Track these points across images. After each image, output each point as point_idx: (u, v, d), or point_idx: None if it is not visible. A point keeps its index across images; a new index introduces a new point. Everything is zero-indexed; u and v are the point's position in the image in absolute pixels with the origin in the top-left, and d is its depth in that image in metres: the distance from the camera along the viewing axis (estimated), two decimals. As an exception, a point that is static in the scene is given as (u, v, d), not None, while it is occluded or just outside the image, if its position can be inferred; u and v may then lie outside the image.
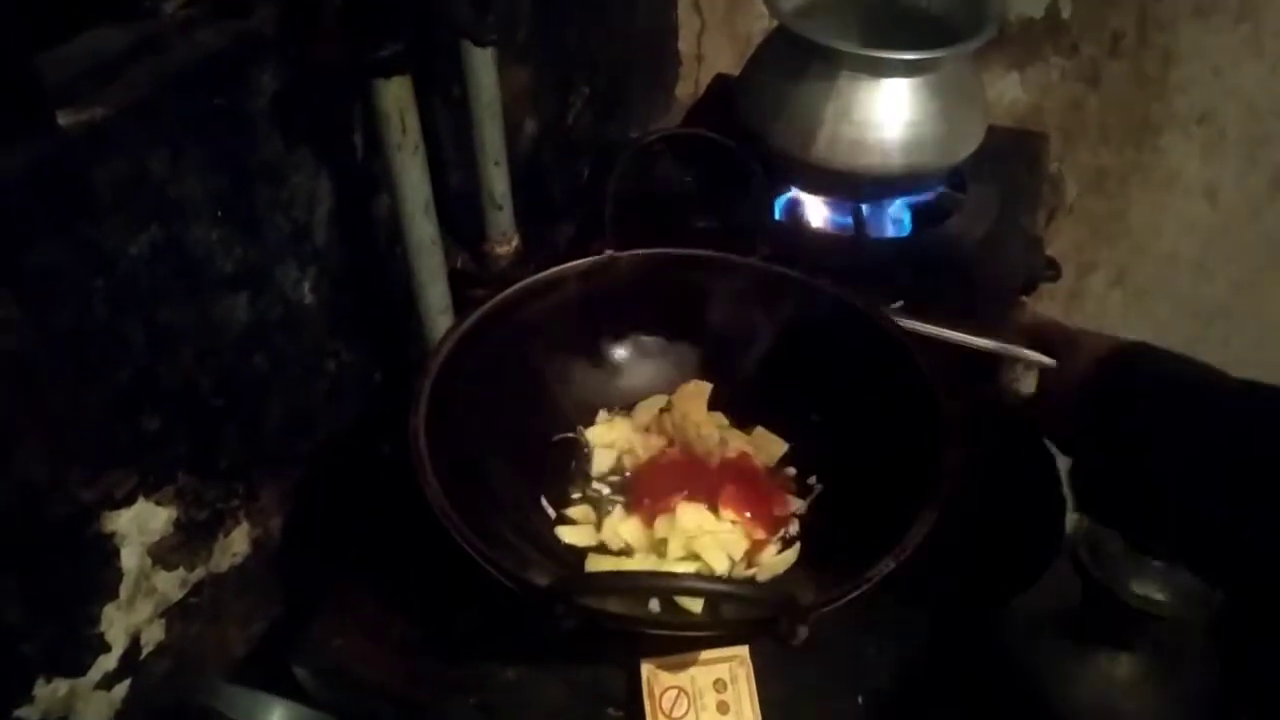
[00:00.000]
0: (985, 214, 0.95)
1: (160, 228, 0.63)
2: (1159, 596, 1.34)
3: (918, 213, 0.98)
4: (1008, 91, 1.23)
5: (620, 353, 0.78)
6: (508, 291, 0.69)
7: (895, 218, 0.97)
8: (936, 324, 0.68)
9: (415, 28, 0.66)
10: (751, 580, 0.64)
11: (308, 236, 0.77)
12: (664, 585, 0.49)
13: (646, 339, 0.77)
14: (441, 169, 0.89)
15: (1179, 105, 1.20)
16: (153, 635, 0.72)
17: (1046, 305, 1.38)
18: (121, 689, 0.70)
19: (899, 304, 0.79)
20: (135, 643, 0.70)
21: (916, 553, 0.54)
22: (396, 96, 0.66)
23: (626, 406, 0.77)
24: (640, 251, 0.73)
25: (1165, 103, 1.20)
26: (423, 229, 0.72)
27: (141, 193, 0.61)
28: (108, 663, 0.68)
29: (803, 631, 0.45)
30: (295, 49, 0.69)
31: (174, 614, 0.73)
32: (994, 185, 0.99)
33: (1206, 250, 1.29)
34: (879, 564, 0.52)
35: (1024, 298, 1.19)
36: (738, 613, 0.51)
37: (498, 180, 0.83)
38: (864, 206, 0.93)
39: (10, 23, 0.51)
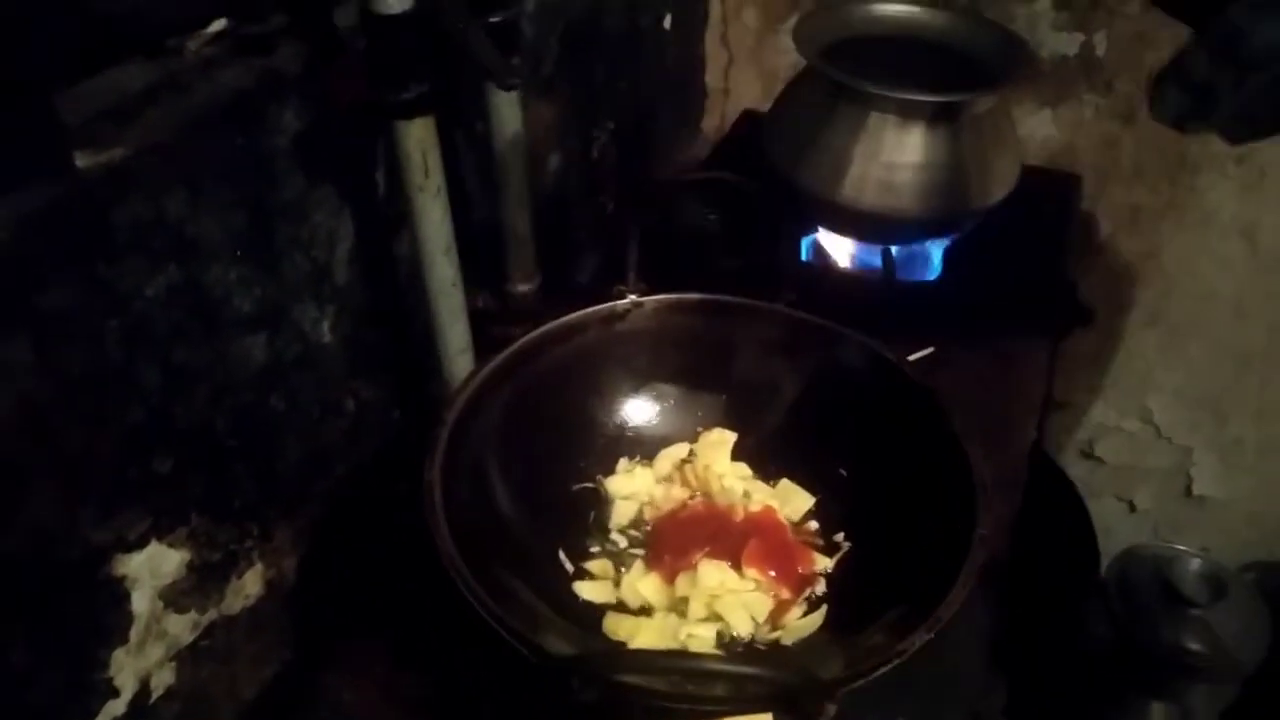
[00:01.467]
0: (1017, 258, 0.93)
1: (178, 268, 0.63)
2: (1194, 646, 1.31)
3: (949, 255, 0.96)
4: (1040, 129, 1.21)
5: (642, 400, 0.76)
6: (527, 337, 0.68)
7: (925, 260, 0.95)
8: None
9: (439, 69, 0.66)
10: (777, 644, 0.62)
11: (328, 275, 0.77)
12: (683, 667, 0.47)
13: (669, 386, 0.75)
14: (464, 206, 0.88)
15: (1217, 144, 1.16)
16: (163, 679, 0.70)
17: (1077, 344, 1.35)
18: (128, 735, 0.68)
19: (929, 350, 0.77)
20: (145, 687, 0.69)
21: (951, 623, 0.52)
22: (419, 138, 0.65)
23: (648, 456, 0.75)
24: (663, 296, 0.71)
25: (1203, 141, 1.17)
26: (443, 271, 0.71)
27: (159, 233, 0.61)
28: (116, 708, 0.67)
29: (830, 709, 0.43)
30: (318, 88, 0.68)
31: (184, 657, 0.72)
32: (1026, 228, 0.97)
33: (1243, 291, 1.26)
34: (911, 636, 0.50)
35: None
36: (763, 687, 0.49)
37: (520, 218, 0.82)
38: (893, 248, 0.91)
39: (31, 62, 0.50)
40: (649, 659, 0.49)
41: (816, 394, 0.71)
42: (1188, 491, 1.45)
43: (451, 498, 0.56)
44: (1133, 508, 1.49)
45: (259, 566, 0.77)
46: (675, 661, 0.49)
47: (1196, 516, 1.46)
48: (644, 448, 0.75)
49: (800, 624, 0.64)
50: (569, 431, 0.72)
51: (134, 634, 0.67)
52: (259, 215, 0.68)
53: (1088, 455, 1.46)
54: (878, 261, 0.91)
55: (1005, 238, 0.96)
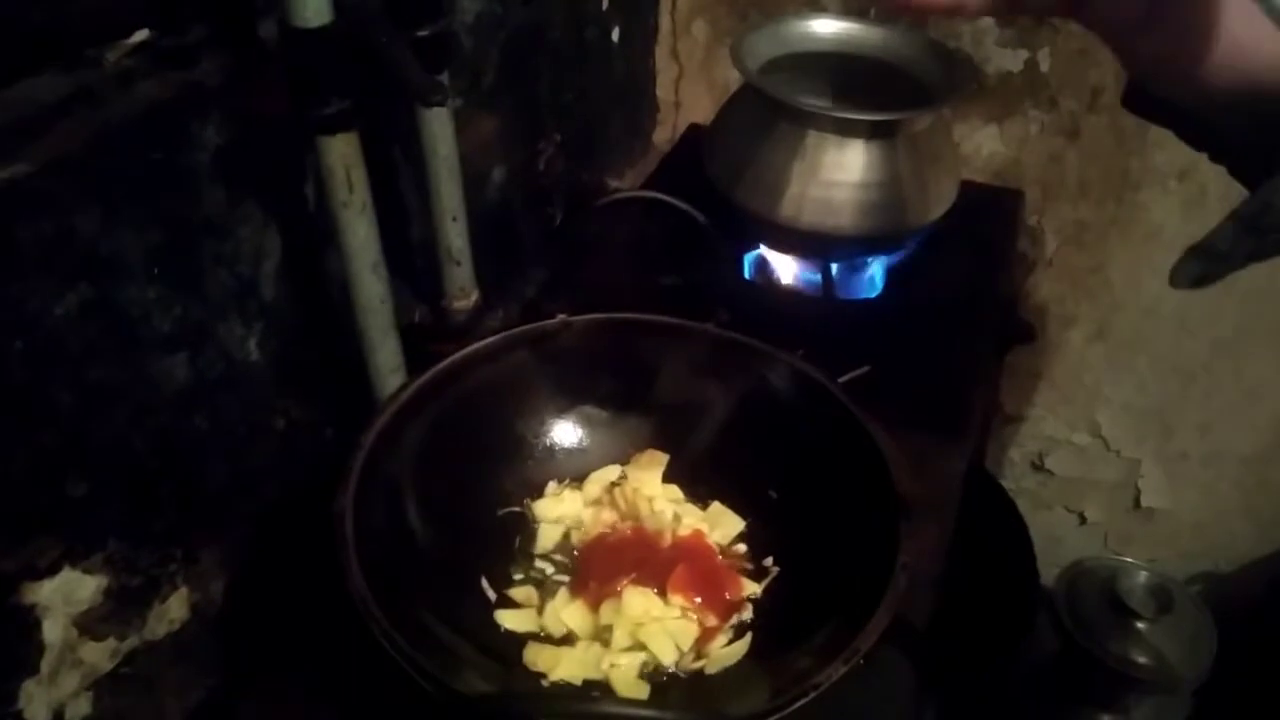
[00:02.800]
0: (958, 275, 0.93)
1: (90, 286, 0.61)
2: (1140, 659, 1.32)
3: (891, 272, 0.96)
4: (986, 144, 1.22)
5: (572, 421, 0.75)
6: (451, 359, 0.66)
7: (867, 277, 0.95)
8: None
9: (363, 84, 0.64)
10: (700, 673, 0.61)
11: (254, 292, 0.75)
12: (589, 711, 0.46)
13: (599, 407, 0.74)
14: (401, 221, 0.87)
15: (1158, 160, 1.18)
16: (79, 710, 0.68)
17: (1026, 359, 1.36)
18: (42, 768, 0.66)
19: (863, 370, 0.77)
20: (58, 718, 0.67)
21: (874, 650, 0.51)
22: (342, 153, 0.64)
23: (577, 479, 0.74)
24: (593, 316, 0.70)
25: (1144, 158, 1.19)
26: (371, 288, 0.70)
27: (69, 251, 0.59)
28: (25, 743, 0.65)
29: (743, 745, 0.42)
30: (241, 102, 0.67)
31: (103, 686, 0.69)
32: (968, 244, 0.97)
33: (1187, 307, 1.27)
34: (828, 667, 0.49)
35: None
36: (684, 715, 0.48)
37: (455, 235, 0.80)
38: (833, 266, 0.90)
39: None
40: (557, 702, 0.48)
41: (747, 415, 0.70)
42: (1136, 503, 1.46)
43: (365, 528, 0.54)
44: (1083, 519, 1.50)
45: (184, 590, 0.75)
46: (582, 706, 0.48)
47: (1145, 528, 1.48)
48: (573, 470, 0.74)
49: (725, 652, 0.63)
50: (495, 454, 0.70)
51: (45, 664, 0.65)
52: (179, 231, 0.67)
53: (1038, 468, 1.47)
54: (818, 279, 0.91)
55: (947, 255, 0.96)
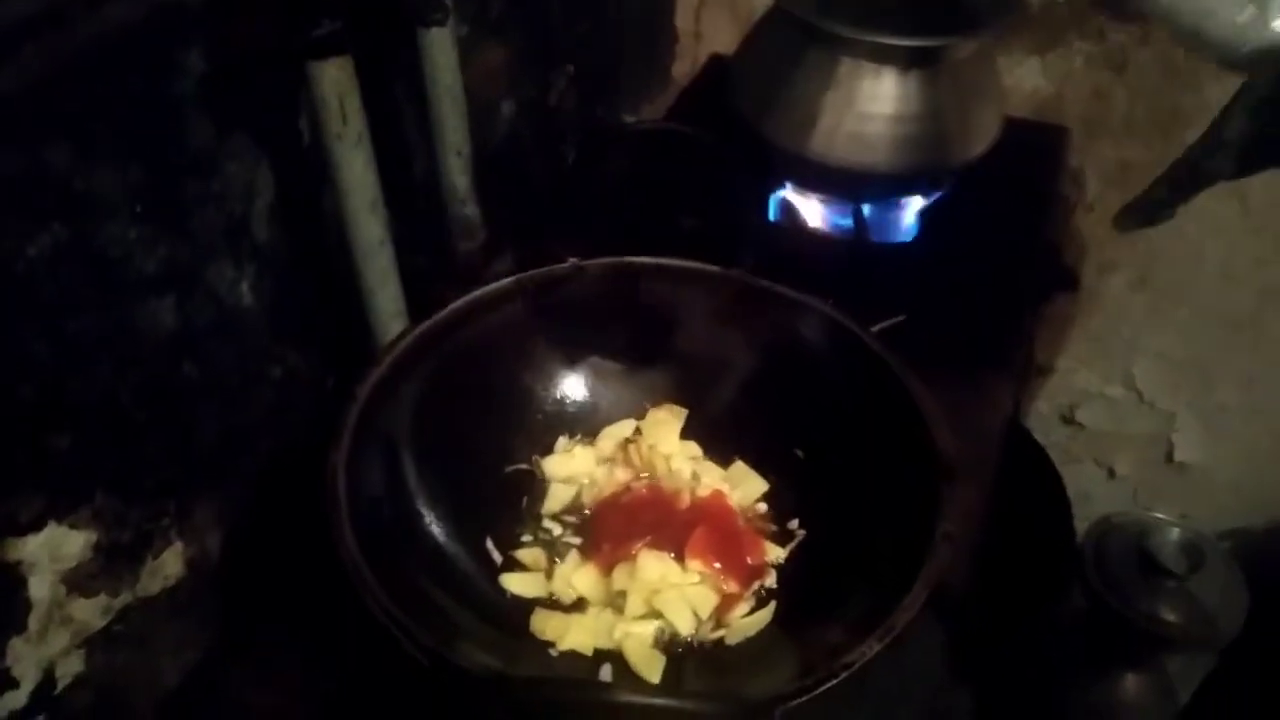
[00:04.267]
0: (998, 217, 0.87)
1: (64, 226, 0.56)
2: (1169, 618, 1.28)
3: (925, 214, 0.90)
4: (1027, 78, 1.14)
5: (583, 373, 0.70)
6: (453, 305, 0.62)
7: (900, 220, 0.89)
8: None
9: (355, 3, 0.59)
10: (720, 643, 0.57)
11: (245, 232, 0.70)
12: (596, 698, 0.42)
13: (613, 358, 0.69)
14: (403, 157, 0.81)
15: (1212, 95, 1.11)
16: (70, 667, 0.66)
17: (1061, 307, 1.30)
18: (33, 727, 0.64)
19: (898, 319, 0.72)
20: (49, 676, 0.64)
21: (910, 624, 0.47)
22: (335, 80, 0.59)
23: (589, 434, 0.70)
24: (607, 260, 0.65)
25: (1197, 93, 1.11)
26: (369, 228, 0.65)
27: (39, 188, 0.54)
28: (16, 699, 0.62)
29: (766, 731, 0.38)
30: (224, 26, 0.61)
31: (95, 643, 0.67)
32: (1008, 185, 0.91)
33: (1233, 254, 1.21)
34: (860, 646, 0.45)
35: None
36: (699, 702, 0.44)
37: (459, 172, 0.75)
38: (865, 207, 0.85)
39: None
40: (557, 689, 0.44)
41: (772, 367, 0.65)
42: (1169, 458, 1.41)
43: (359, 488, 0.50)
44: (1112, 474, 1.46)
45: (178, 545, 0.72)
46: (585, 693, 0.44)
47: (1176, 483, 1.43)
48: (585, 426, 0.70)
49: (746, 621, 0.59)
50: (501, 408, 0.66)
51: (33, 622, 0.62)
52: (162, 167, 0.62)
53: (1068, 421, 1.42)
54: (849, 222, 0.85)
55: (986, 196, 0.90)
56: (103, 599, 0.67)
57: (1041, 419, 1.43)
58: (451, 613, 0.53)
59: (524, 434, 0.67)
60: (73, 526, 0.63)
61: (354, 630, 0.50)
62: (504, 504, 0.65)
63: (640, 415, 0.70)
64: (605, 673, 0.55)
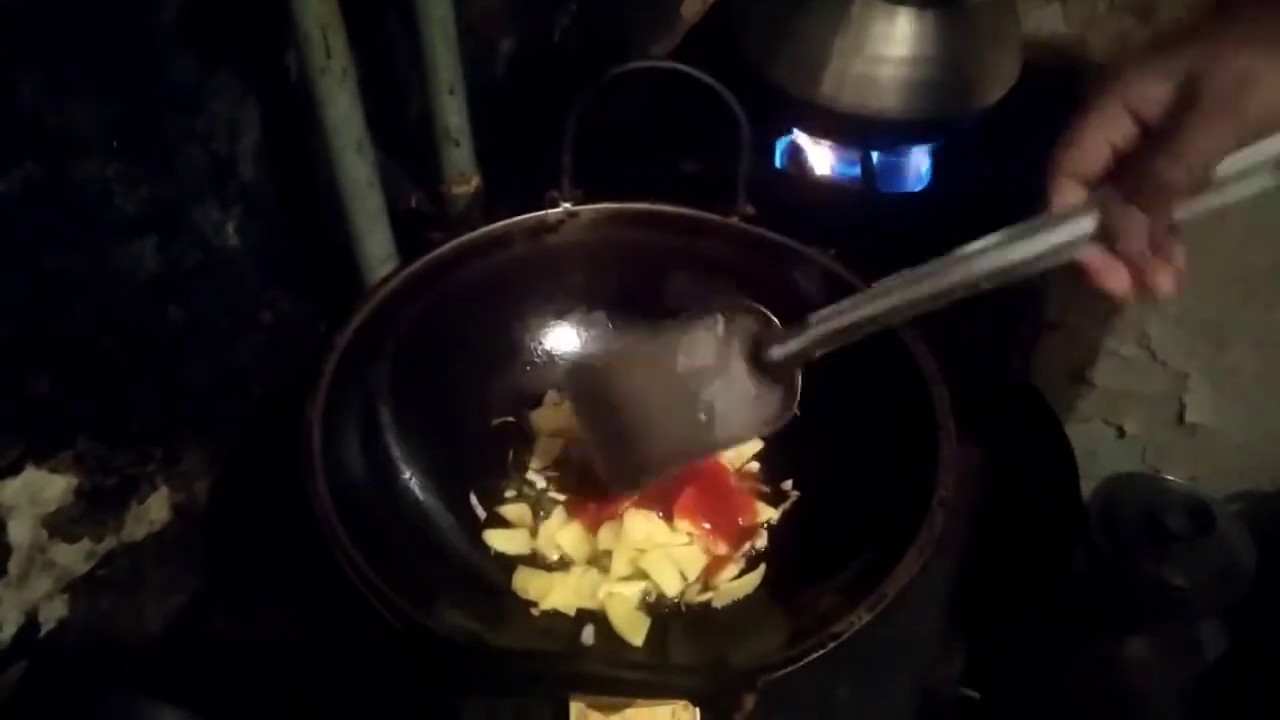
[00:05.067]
0: (1012, 167, 0.84)
1: (37, 164, 0.54)
2: (1175, 580, 1.26)
3: (938, 162, 0.86)
4: (1046, 23, 1.10)
5: (575, 323, 0.68)
6: (439, 250, 0.59)
7: (912, 168, 0.86)
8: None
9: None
10: (707, 606, 0.55)
11: (231, 171, 0.68)
12: (571, 670, 0.41)
13: (605, 308, 0.67)
14: (394, 95, 0.79)
15: (1241, 45, 1.07)
16: (53, 612, 0.65)
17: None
18: (16, 670, 0.64)
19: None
20: (32, 620, 0.64)
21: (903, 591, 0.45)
22: (318, 13, 0.56)
23: (581, 387, 0.67)
24: (601, 206, 0.63)
25: (1226, 42, 1.07)
26: (355, 169, 0.63)
27: (9, 122, 0.52)
28: (-2, 641, 0.62)
29: (749, 700, 0.37)
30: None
31: (79, 588, 0.66)
32: (1024, 133, 0.87)
33: (1257, 212, 1.17)
34: (849, 615, 0.43)
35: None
36: (665, 692, 0.43)
37: (453, 112, 0.72)
38: (875, 155, 0.82)
39: None
40: (536, 662, 0.43)
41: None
42: (1180, 419, 1.39)
43: (336, 441, 0.49)
44: (1121, 433, 1.44)
45: (164, 491, 0.71)
46: (563, 665, 0.42)
47: (1187, 445, 1.41)
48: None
49: (735, 584, 0.57)
50: (488, 359, 0.64)
51: (14, 566, 0.61)
52: (141, 102, 0.60)
53: (1079, 378, 1.40)
54: (858, 169, 0.82)
55: (1000, 144, 0.87)
56: (86, 544, 0.66)
57: (1052, 376, 1.40)
58: (430, 572, 0.51)
59: (511, 386, 0.65)
60: (53, 470, 0.62)
61: (333, 586, 0.49)
62: (489, 458, 0.63)
63: None
64: (588, 634, 0.54)
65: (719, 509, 0.58)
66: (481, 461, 0.63)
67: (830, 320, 0.51)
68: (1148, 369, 1.35)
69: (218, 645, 0.66)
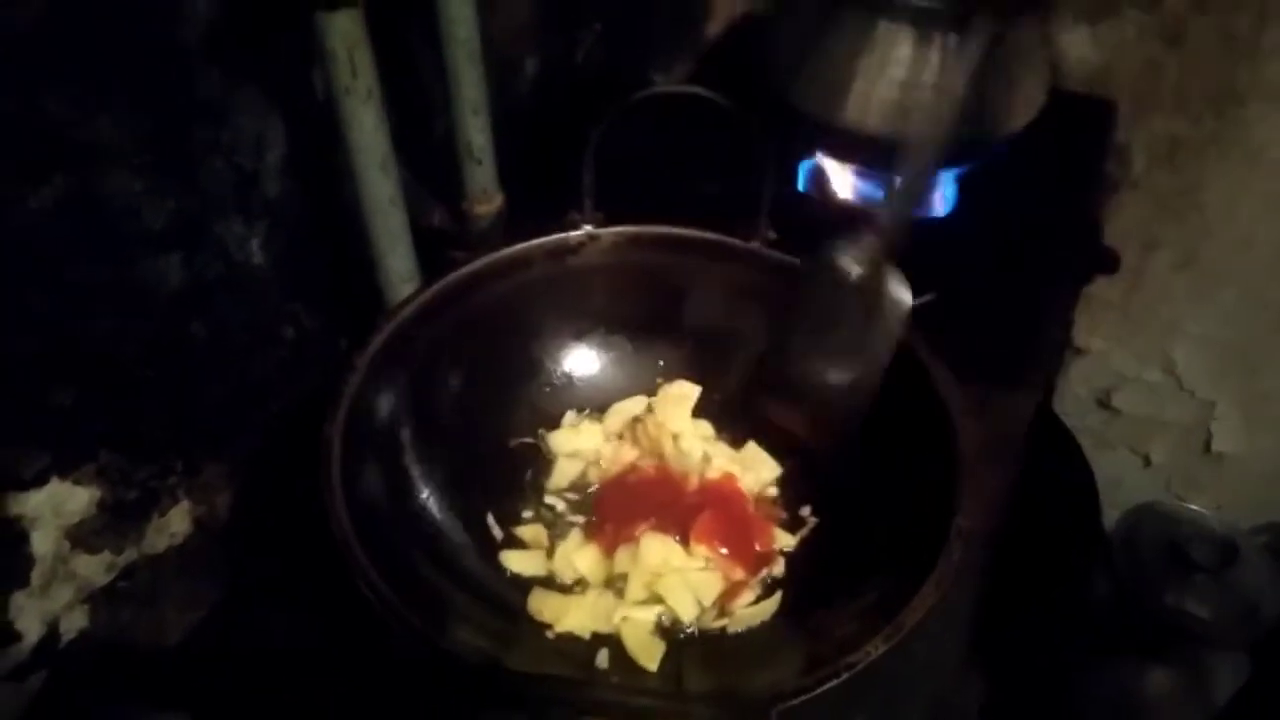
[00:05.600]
0: (1039, 193, 0.83)
1: (66, 177, 0.55)
2: (1199, 612, 1.24)
3: (964, 188, 0.86)
4: (1074, 48, 1.09)
5: (594, 346, 0.67)
6: (460, 271, 0.59)
7: (937, 193, 0.85)
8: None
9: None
10: (723, 632, 0.55)
11: (256, 186, 0.69)
12: (579, 697, 0.40)
13: (626, 331, 0.67)
14: (419, 114, 0.79)
15: (1271, 71, 1.05)
16: (74, 623, 0.66)
17: (1101, 287, 1.25)
18: (36, 680, 0.64)
19: (928, 297, 0.69)
20: (53, 631, 0.64)
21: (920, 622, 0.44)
22: (344, 32, 0.57)
23: (599, 409, 0.67)
24: (622, 229, 0.63)
25: (1255, 67, 1.06)
26: (379, 187, 0.63)
27: (38, 135, 0.53)
28: (18, 653, 0.62)
29: (761, 732, 0.37)
30: (231, -28, 0.59)
31: (99, 600, 0.67)
32: (1051, 159, 0.87)
33: (1288, 236, 1.16)
34: (865, 645, 0.43)
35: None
36: (692, 703, 0.42)
37: (476, 131, 0.73)
38: (899, 179, 0.81)
39: None
40: (548, 686, 0.43)
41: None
42: (1207, 447, 1.37)
43: (354, 459, 0.49)
44: (1147, 462, 1.42)
45: (185, 504, 0.72)
46: (575, 691, 0.42)
47: (1214, 474, 1.39)
48: (594, 400, 0.68)
49: (750, 611, 0.57)
50: (507, 379, 0.64)
51: (36, 576, 0.62)
52: (168, 117, 0.61)
53: (1104, 405, 1.38)
54: (882, 194, 0.82)
55: (1028, 170, 0.86)
56: (107, 555, 0.66)
57: (1076, 402, 1.39)
58: (445, 592, 0.51)
59: (530, 407, 0.65)
60: (76, 483, 0.63)
61: (350, 602, 0.49)
62: (506, 479, 0.63)
63: (652, 391, 0.68)
64: (602, 658, 0.53)
65: (736, 534, 0.58)
66: (499, 482, 0.62)
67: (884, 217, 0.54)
68: (1174, 396, 1.33)
69: (236, 658, 0.66)
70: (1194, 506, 1.29)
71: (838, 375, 0.57)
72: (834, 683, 0.42)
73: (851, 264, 0.55)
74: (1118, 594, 1.19)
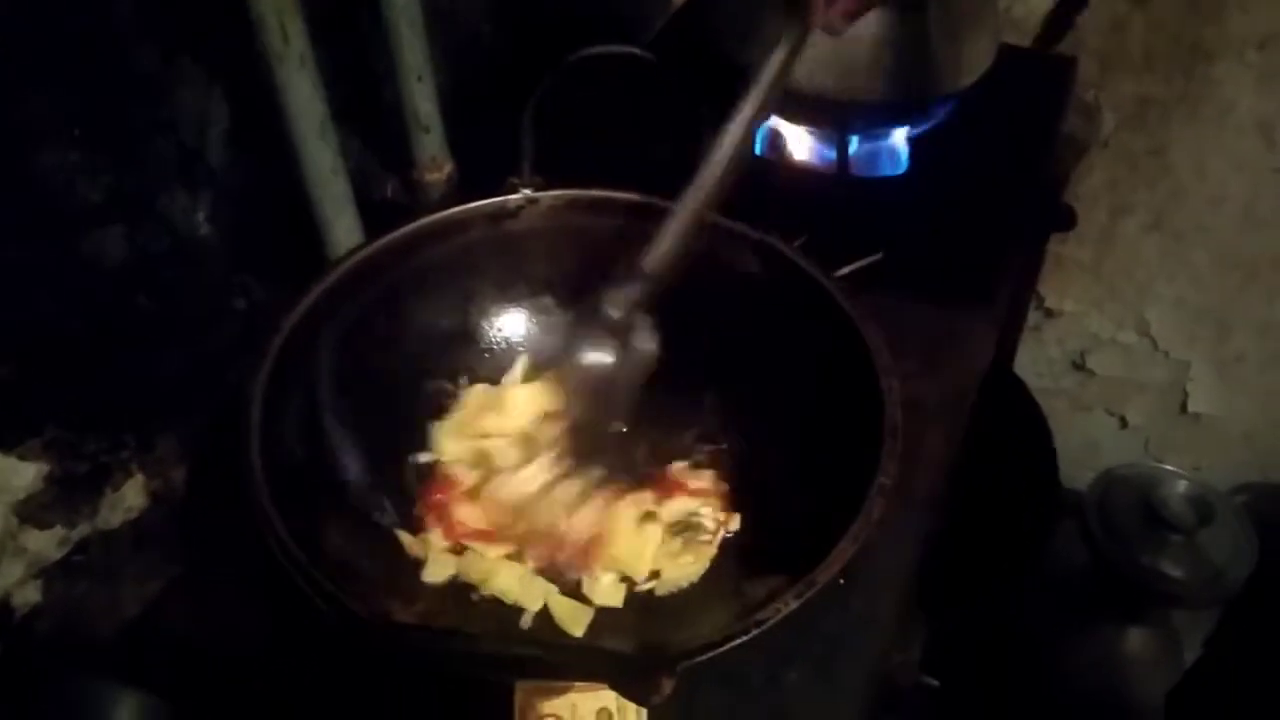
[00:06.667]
0: (994, 152, 0.83)
1: (-8, 153, 0.55)
2: (1173, 572, 1.25)
3: (917, 147, 0.85)
4: (1040, 5, 1.08)
5: (532, 310, 0.67)
6: (395, 233, 0.59)
7: (889, 153, 0.85)
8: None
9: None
10: (650, 594, 0.55)
11: (200, 159, 0.68)
12: (474, 651, 0.40)
13: (564, 294, 0.66)
14: (366, 82, 0.78)
15: (1237, 27, 1.05)
16: (26, 597, 0.66)
17: (1073, 249, 1.25)
18: (-11, 654, 0.64)
19: (874, 257, 0.69)
20: (5, 606, 0.64)
21: (845, 575, 0.45)
22: (272, -1, 0.56)
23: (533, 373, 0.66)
24: (560, 192, 0.62)
25: (1221, 24, 1.05)
26: (319, 155, 0.63)
27: (-37, 110, 0.53)
28: (-31, 627, 0.62)
29: (667, 685, 0.37)
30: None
31: (53, 574, 0.67)
32: (1008, 118, 0.86)
33: (1257, 195, 1.15)
34: (777, 600, 0.43)
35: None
36: (592, 655, 0.42)
37: (422, 99, 0.72)
38: (853, 139, 0.81)
39: None
40: (454, 641, 0.43)
41: (726, 310, 0.62)
42: (1183, 408, 1.37)
43: (277, 419, 0.48)
44: (1124, 423, 1.42)
45: (140, 478, 0.71)
46: (470, 644, 0.42)
47: (1191, 435, 1.39)
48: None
49: (678, 574, 0.56)
50: (442, 343, 0.63)
51: (-15, 553, 0.62)
52: (102, 92, 0.60)
53: (1079, 367, 1.38)
54: (834, 154, 0.81)
55: (983, 129, 0.86)
56: (59, 530, 0.66)
57: (1051, 365, 1.39)
58: (363, 556, 0.51)
59: (466, 372, 0.65)
60: (21, 458, 0.62)
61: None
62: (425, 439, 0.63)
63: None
64: (526, 620, 0.53)
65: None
66: (421, 442, 0.62)
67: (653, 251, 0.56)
68: (1149, 357, 1.33)
69: (191, 633, 0.66)
70: (1169, 467, 1.29)
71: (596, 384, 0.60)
72: (742, 639, 0.42)
73: (612, 309, 0.58)
74: (1092, 556, 1.19)
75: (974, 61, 0.79)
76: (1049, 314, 1.33)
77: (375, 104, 0.80)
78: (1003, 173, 0.85)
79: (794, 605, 0.43)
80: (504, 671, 0.42)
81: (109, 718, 0.51)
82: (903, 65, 0.75)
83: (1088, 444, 1.41)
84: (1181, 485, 1.24)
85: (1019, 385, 1.11)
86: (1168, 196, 1.19)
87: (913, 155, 0.85)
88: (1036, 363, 1.38)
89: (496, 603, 0.55)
